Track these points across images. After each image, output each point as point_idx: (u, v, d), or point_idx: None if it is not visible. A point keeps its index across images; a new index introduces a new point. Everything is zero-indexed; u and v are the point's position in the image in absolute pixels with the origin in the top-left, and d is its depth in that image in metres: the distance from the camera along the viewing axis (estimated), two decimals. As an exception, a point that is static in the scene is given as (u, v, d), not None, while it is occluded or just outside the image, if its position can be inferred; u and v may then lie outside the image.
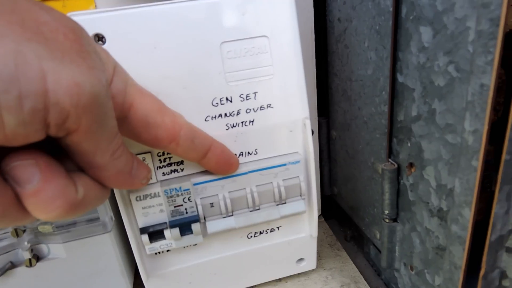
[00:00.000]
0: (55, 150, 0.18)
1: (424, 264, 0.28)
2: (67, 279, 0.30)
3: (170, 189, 0.27)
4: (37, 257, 0.29)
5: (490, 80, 0.17)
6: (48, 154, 0.17)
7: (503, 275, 0.23)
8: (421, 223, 0.27)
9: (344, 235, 0.43)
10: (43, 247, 0.29)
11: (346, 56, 0.33)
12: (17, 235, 0.28)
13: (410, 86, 0.26)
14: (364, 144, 0.33)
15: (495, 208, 0.20)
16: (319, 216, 0.45)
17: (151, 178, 0.26)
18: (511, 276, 0.22)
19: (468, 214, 0.20)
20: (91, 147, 0.18)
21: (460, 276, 0.22)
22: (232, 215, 0.29)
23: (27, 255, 0.28)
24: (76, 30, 0.17)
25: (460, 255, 0.22)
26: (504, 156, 0.19)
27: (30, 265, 0.28)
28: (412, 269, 0.30)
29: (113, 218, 0.30)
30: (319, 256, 0.40)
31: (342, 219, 0.44)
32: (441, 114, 0.23)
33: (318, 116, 0.40)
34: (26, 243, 0.28)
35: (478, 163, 0.19)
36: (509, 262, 0.22)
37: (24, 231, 0.28)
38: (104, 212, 0.29)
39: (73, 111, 0.15)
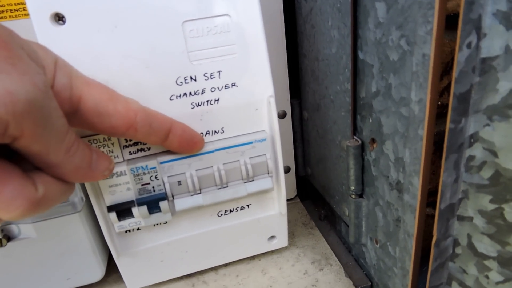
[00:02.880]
0: (11, 151, 0.18)
1: (387, 237, 0.29)
2: (39, 259, 0.31)
3: (136, 168, 0.27)
4: (7, 237, 0.29)
5: (430, 49, 0.18)
6: (1, 158, 0.17)
7: (455, 242, 0.24)
8: (383, 196, 0.28)
9: (318, 215, 0.44)
10: (13, 227, 0.29)
11: (313, 36, 0.34)
12: (-14, 216, 0.28)
13: (370, 63, 0.26)
14: (332, 123, 0.34)
15: (443, 176, 0.21)
16: (294, 197, 0.46)
17: (113, 168, 0.25)
18: (463, 244, 0.23)
19: (417, 183, 0.21)
20: (41, 149, 0.18)
21: (413, 244, 0.23)
22: (200, 193, 0.29)
23: (-4, 236, 0.29)
24: (2, 35, 0.16)
25: (412, 224, 0.23)
26: (448, 125, 0.19)
27: (1, 245, 0.29)
28: (377, 242, 0.31)
29: (84, 199, 0.30)
30: (293, 235, 0.40)
31: (316, 200, 0.44)
32: (396, 88, 0.23)
33: (291, 98, 0.41)
34: (-5, 223, 0.29)
35: (423, 132, 0.19)
36: (461, 230, 0.23)
37: (-8, 212, 0.28)
38: (74, 192, 0.29)
39: (11, 119, 0.16)
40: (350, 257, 0.37)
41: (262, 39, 0.28)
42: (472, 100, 0.20)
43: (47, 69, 0.20)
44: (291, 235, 0.40)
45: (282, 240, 0.36)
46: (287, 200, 0.46)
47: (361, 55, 0.27)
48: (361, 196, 0.32)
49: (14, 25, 0.28)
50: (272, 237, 0.35)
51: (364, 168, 0.30)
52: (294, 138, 0.42)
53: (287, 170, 0.43)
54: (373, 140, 0.28)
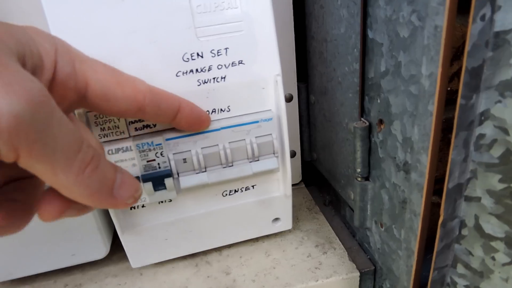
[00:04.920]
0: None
1: (392, 219, 0.28)
2: (44, 234, 0.31)
3: (142, 144, 0.27)
4: (13, 212, 0.29)
5: (443, 21, 0.17)
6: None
7: (462, 224, 0.23)
8: (389, 178, 0.28)
9: (323, 200, 0.43)
10: (19, 202, 0.30)
11: (322, 16, 0.33)
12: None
13: (379, 41, 0.26)
14: (339, 105, 0.33)
15: (452, 154, 0.20)
16: (299, 182, 0.46)
17: (140, 196, 0.22)
18: (470, 225, 0.23)
19: (426, 160, 0.21)
20: (46, 168, 0.15)
21: (419, 224, 0.23)
22: (205, 171, 0.29)
23: (3, 209, 0.29)
24: None
25: (419, 203, 0.22)
26: (459, 100, 0.19)
27: (7, 219, 0.29)
28: (381, 226, 0.31)
29: (89, 176, 0.30)
30: (297, 219, 0.40)
31: (321, 185, 0.44)
32: (406, 66, 0.23)
33: (298, 81, 0.40)
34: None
35: (433, 107, 0.19)
36: (468, 211, 0.23)
37: None
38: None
39: None
40: (354, 241, 0.37)
41: (270, 16, 0.27)
42: (484, 75, 0.19)
43: (46, 59, 0.18)
44: (295, 219, 0.40)
45: (286, 223, 0.36)
46: (292, 185, 0.46)
47: (370, 34, 0.27)
48: (367, 179, 0.31)
49: (26, 3, 0.28)
50: (276, 219, 0.35)
51: (370, 150, 0.30)
52: (300, 123, 0.42)
53: (292, 154, 0.43)
54: (380, 121, 0.28)
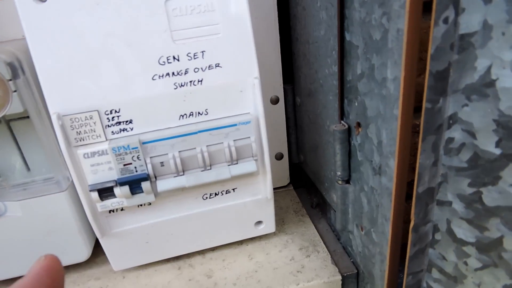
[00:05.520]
0: None
1: (371, 223, 0.28)
2: (25, 237, 0.31)
3: (118, 147, 0.27)
4: (-6, 215, 0.30)
5: (404, 24, 0.17)
6: None
7: (435, 228, 0.23)
8: (367, 182, 0.28)
9: (310, 203, 0.43)
10: (0, 205, 0.30)
11: (304, 18, 0.33)
12: (-28, 192, 0.28)
13: (355, 44, 0.25)
14: (322, 107, 0.33)
15: (420, 159, 0.20)
16: (288, 185, 0.46)
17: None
18: (443, 229, 0.23)
19: (393, 164, 0.21)
20: None
21: (389, 228, 0.22)
22: (183, 174, 0.29)
23: (-17, 212, 0.29)
24: None
25: (388, 207, 0.22)
26: (424, 104, 0.19)
27: (-13, 222, 0.29)
28: (362, 229, 0.30)
29: (70, 178, 0.31)
30: (283, 222, 0.40)
31: (309, 187, 0.44)
32: (378, 68, 0.23)
33: (284, 83, 0.40)
34: (-19, 200, 0.29)
35: (398, 111, 0.19)
36: (440, 215, 0.22)
37: (-21, 188, 0.29)
38: (59, 171, 0.30)
39: None
40: (339, 244, 0.37)
41: (247, 19, 0.27)
42: (451, 79, 0.19)
43: None
44: (281, 222, 0.40)
45: (269, 226, 0.35)
46: (280, 187, 0.46)
47: (347, 36, 0.26)
48: (348, 182, 0.31)
49: (1, 7, 0.28)
50: (259, 222, 0.35)
51: (351, 153, 0.30)
52: (287, 124, 0.42)
53: (280, 157, 0.43)
54: (358, 124, 0.27)
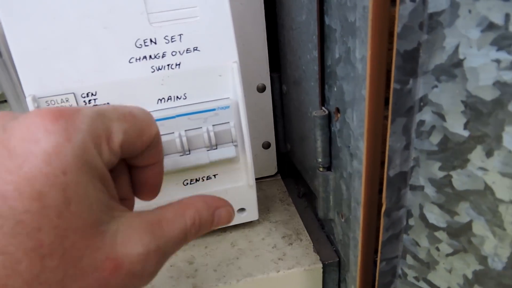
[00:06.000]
0: None
1: (349, 210, 0.28)
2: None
3: (95, 130, 0.27)
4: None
5: (369, 1, 0.17)
6: None
7: (409, 213, 0.23)
8: (346, 168, 0.27)
9: (297, 192, 0.43)
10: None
11: (288, 3, 0.33)
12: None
13: (333, 27, 0.25)
14: (305, 95, 0.33)
15: (389, 141, 0.20)
16: (276, 174, 0.46)
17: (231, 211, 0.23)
18: (416, 215, 0.22)
19: (362, 146, 0.20)
20: None
21: (361, 213, 0.22)
22: (162, 159, 0.29)
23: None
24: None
25: (359, 190, 0.22)
26: (392, 85, 0.18)
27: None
28: (342, 216, 0.30)
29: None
30: (268, 210, 0.40)
31: (297, 177, 0.44)
32: (353, 51, 0.22)
33: (271, 71, 0.40)
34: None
35: (366, 91, 0.19)
36: (413, 200, 0.22)
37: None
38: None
39: None
40: (322, 233, 0.36)
41: (225, 2, 0.27)
42: (421, 59, 0.18)
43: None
44: (266, 210, 0.40)
45: (252, 213, 0.35)
46: (268, 176, 0.46)
47: (327, 20, 0.26)
48: (329, 169, 0.31)
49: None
50: (242, 209, 0.35)
51: (331, 140, 0.30)
52: (274, 113, 0.42)
53: (267, 146, 0.43)
54: (337, 110, 0.27)
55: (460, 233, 0.20)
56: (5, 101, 0.28)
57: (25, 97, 0.26)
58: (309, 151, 0.35)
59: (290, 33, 0.34)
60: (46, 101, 0.26)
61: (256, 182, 0.34)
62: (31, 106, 0.26)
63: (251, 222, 0.37)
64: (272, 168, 0.45)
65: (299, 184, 0.44)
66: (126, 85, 0.27)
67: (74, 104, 0.27)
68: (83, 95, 0.27)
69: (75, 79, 0.26)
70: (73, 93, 0.27)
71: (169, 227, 0.18)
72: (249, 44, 0.37)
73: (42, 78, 0.26)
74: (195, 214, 0.20)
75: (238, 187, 0.33)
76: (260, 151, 0.43)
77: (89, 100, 0.27)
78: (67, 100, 0.27)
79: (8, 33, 0.25)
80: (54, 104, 0.26)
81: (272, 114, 0.41)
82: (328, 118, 0.29)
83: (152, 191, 0.24)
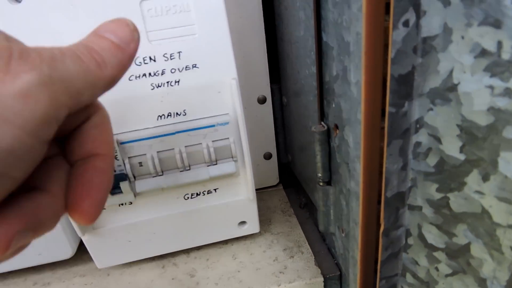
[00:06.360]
0: None
1: (349, 225, 0.28)
2: (9, 234, 0.31)
3: (95, 148, 0.27)
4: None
5: (362, 28, 0.17)
6: None
7: (408, 233, 0.23)
8: (345, 184, 0.27)
9: (299, 203, 0.43)
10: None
11: (286, 18, 0.33)
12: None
13: (331, 45, 0.25)
14: (304, 108, 0.33)
15: (386, 163, 0.20)
16: (277, 184, 0.46)
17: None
18: (414, 234, 0.22)
19: (359, 168, 0.20)
20: None
21: (359, 233, 0.22)
22: (162, 175, 0.29)
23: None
24: None
25: (357, 210, 0.22)
26: (387, 109, 0.18)
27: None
28: (343, 231, 0.30)
29: (53, 178, 0.31)
30: (269, 222, 0.40)
31: (298, 187, 0.44)
32: (350, 71, 0.22)
33: (272, 82, 0.40)
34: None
35: (361, 115, 0.19)
36: (412, 220, 0.22)
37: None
38: (40, 170, 0.30)
39: None
40: (324, 245, 0.36)
41: (223, 19, 0.27)
42: (416, 82, 0.18)
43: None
44: (268, 221, 0.40)
45: (253, 226, 0.35)
46: (269, 187, 0.46)
47: (324, 37, 0.26)
48: (329, 183, 0.31)
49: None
50: (243, 222, 0.35)
51: (331, 155, 0.30)
52: (275, 124, 0.42)
53: (268, 156, 0.43)
54: (336, 126, 0.27)
55: (459, 254, 0.20)
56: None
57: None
58: (309, 163, 0.35)
59: (289, 46, 0.34)
60: (48, 120, 0.27)
61: (257, 192, 0.34)
62: (33, 124, 0.26)
63: (252, 234, 0.37)
64: (274, 179, 0.45)
65: (300, 195, 0.43)
66: (127, 102, 0.27)
67: (75, 122, 0.27)
68: (84, 113, 0.27)
69: (76, 98, 0.27)
70: (74, 111, 0.27)
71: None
72: (249, 56, 0.38)
73: (43, 97, 0.26)
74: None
75: (239, 201, 0.33)
76: (262, 162, 0.43)
77: (90, 118, 0.27)
78: (68, 118, 0.27)
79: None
80: (55, 122, 0.27)
81: (273, 125, 0.42)
82: (327, 134, 0.29)
83: (90, 203, 0.16)
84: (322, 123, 0.30)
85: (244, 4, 0.36)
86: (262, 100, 0.40)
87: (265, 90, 0.40)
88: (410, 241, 0.23)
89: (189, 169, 0.30)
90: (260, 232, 0.37)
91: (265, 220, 0.40)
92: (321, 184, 0.31)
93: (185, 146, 0.29)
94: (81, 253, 0.36)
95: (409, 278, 0.24)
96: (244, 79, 0.36)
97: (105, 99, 0.27)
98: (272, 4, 0.37)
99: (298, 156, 0.39)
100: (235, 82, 0.28)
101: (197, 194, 0.32)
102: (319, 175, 0.30)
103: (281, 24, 0.35)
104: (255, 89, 0.39)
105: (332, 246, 0.34)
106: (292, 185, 0.46)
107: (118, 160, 0.28)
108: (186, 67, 0.28)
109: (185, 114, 0.29)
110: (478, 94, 0.16)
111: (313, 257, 0.35)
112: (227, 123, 0.29)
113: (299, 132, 0.36)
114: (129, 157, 0.28)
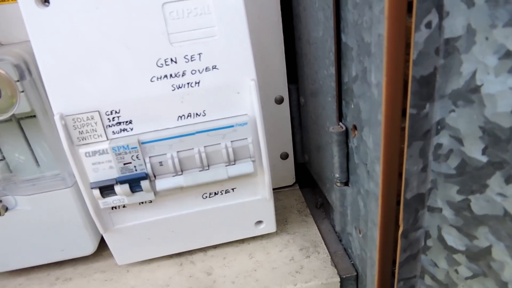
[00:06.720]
0: None
1: (367, 226, 0.28)
2: (34, 230, 0.32)
3: (117, 147, 0.28)
4: (5, 208, 0.31)
5: (384, 29, 0.17)
6: None
7: (427, 234, 0.23)
8: (363, 185, 0.27)
9: (315, 203, 0.43)
10: (10, 199, 0.31)
11: (305, 18, 0.33)
12: (-15, 187, 0.30)
13: (350, 45, 0.25)
14: (322, 108, 0.33)
15: (406, 164, 0.20)
16: (293, 184, 0.46)
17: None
18: (434, 236, 0.22)
19: (379, 170, 0.20)
20: None
21: (377, 234, 0.22)
22: (181, 174, 0.30)
23: (-5, 206, 0.31)
24: None
25: (376, 212, 0.22)
26: (408, 110, 0.18)
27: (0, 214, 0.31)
28: (360, 231, 0.30)
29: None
30: (286, 221, 0.40)
31: (315, 187, 0.44)
32: (370, 71, 0.22)
33: (289, 82, 0.40)
34: (-6, 194, 0.31)
35: (382, 116, 0.19)
36: (431, 222, 0.22)
37: (-9, 183, 0.30)
38: (64, 168, 0.31)
39: None
40: (340, 246, 0.36)
41: (243, 21, 0.27)
42: (437, 84, 0.18)
43: None
44: (284, 221, 0.40)
45: (269, 226, 0.36)
46: (285, 187, 0.46)
47: (343, 38, 0.26)
48: (346, 184, 0.31)
49: (9, 10, 0.30)
50: (259, 222, 0.35)
51: (349, 156, 0.30)
52: (292, 124, 0.42)
53: (285, 156, 0.43)
54: (355, 127, 0.27)
55: (480, 257, 0.20)
56: (34, 116, 0.29)
57: (53, 113, 0.28)
58: (326, 163, 0.35)
59: (307, 47, 0.34)
60: (73, 119, 0.27)
61: (274, 192, 0.34)
62: (58, 123, 0.27)
63: (268, 233, 0.37)
64: (290, 179, 0.45)
65: (316, 194, 0.44)
66: (148, 103, 0.28)
67: (99, 122, 0.28)
68: (107, 113, 0.28)
69: (100, 98, 0.27)
70: (98, 111, 0.28)
71: None
72: (267, 56, 0.38)
73: (69, 97, 0.27)
74: None
75: (256, 201, 0.33)
76: (278, 162, 0.43)
77: (113, 118, 0.28)
78: (92, 118, 0.28)
79: (38, 54, 0.26)
80: (80, 121, 0.28)
81: (290, 125, 0.42)
82: (346, 134, 0.29)
83: None
84: (340, 123, 0.30)
85: (263, 5, 0.36)
86: (279, 100, 0.40)
87: (283, 90, 0.40)
88: (429, 243, 0.23)
89: (208, 169, 0.30)
90: (276, 231, 0.37)
91: (281, 219, 0.40)
92: (338, 184, 0.31)
93: (205, 146, 0.29)
94: (101, 250, 0.37)
95: (427, 280, 0.24)
96: (261, 80, 0.36)
97: (128, 99, 0.28)
98: (290, 5, 0.37)
99: (315, 156, 0.39)
100: (254, 83, 0.28)
101: (215, 194, 0.33)
102: (337, 175, 0.31)
103: (299, 25, 0.35)
104: (273, 89, 0.39)
105: (349, 246, 0.34)
106: (308, 185, 0.46)
107: (139, 159, 0.29)
108: (206, 68, 0.28)
109: (204, 115, 0.29)
110: (502, 95, 0.16)
111: (330, 257, 0.35)
112: (246, 123, 0.29)
113: (316, 132, 0.36)
114: (150, 157, 0.29)
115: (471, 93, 0.17)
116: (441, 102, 0.19)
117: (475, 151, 0.18)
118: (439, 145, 0.20)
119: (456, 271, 0.21)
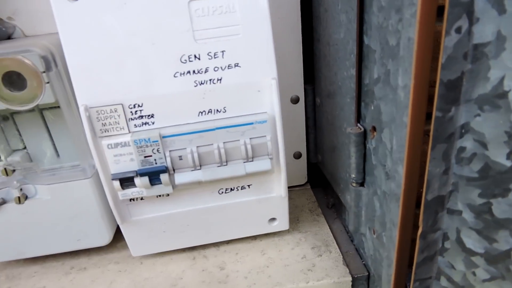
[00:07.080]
0: None
1: (382, 227, 0.28)
2: (52, 219, 0.33)
3: (139, 140, 0.29)
4: (25, 196, 0.32)
5: (414, 33, 0.17)
6: None
7: (445, 236, 0.23)
8: (380, 186, 0.28)
9: (326, 203, 0.43)
10: (31, 187, 0.32)
11: (326, 20, 0.33)
12: (7, 174, 0.31)
13: (373, 48, 0.25)
14: (339, 109, 0.33)
15: (429, 166, 0.20)
16: (305, 184, 0.46)
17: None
18: (452, 238, 0.23)
19: (402, 171, 0.21)
20: None
21: (396, 234, 0.23)
22: (200, 169, 0.30)
23: (16, 193, 0.31)
24: None
25: (396, 212, 0.22)
26: (434, 113, 0.19)
27: (19, 202, 0.31)
28: (374, 232, 0.30)
29: (95, 166, 0.32)
30: (297, 220, 0.41)
31: (326, 187, 0.44)
32: (393, 74, 0.23)
33: (305, 83, 0.40)
34: (15, 182, 0.31)
35: (407, 119, 0.19)
36: (450, 224, 0.22)
37: (13, 171, 0.31)
38: (85, 159, 0.32)
39: None
40: (352, 246, 0.37)
41: (267, 20, 0.28)
42: (464, 88, 0.19)
43: None
44: (296, 220, 0.41)
45: (282, 223, 0.36)
46: (297, 186, 0.46)
47: (366, 40, 0.26)
48: (362, 184, 0.31)
49: (34, 3, 0.30)
50: (273, 219, 0.36)
51: (366, 157, 0.30)
52: (306, 124, 0.42)
53: (298, 156, 0.44)
54: (374, 128, 0.28)
55: (498, 260, 0.20)
56: (59, 107, 0.30)
57: (77, 105, 0.28)
58: (341, 164, 0.36)
59: (327, 48, 0.34)
60: (97, 111, 0.28)
61: (287, 191, 0.34)
62: (83, 115, 0.27)
63: (280, 231, 0.38)
64: (302, 178, 0.46)
65: (328, 195, 0.44)
66: (170, 98, 0.29)
67: (122, 115, 0.28)
68: (130, 106, 0.28)
69: (124, 91, 0.28)
70: (121, 104, 0.28)
71: None
72: (285, 56, 0.38)
73: (93, 89, 0.28)
74: None
75: (271, 198, 0.34)
76: (291, 161, 0.44)
77: (136, 111, 0.29)
78: (115, 111, 0.28)
79: (66, 47, 0.27)
80: (103, 113, 0.28)
81: (304, 125, 0.42)
82: (364, 135, 0.29)
83: None
84: (359, 124, 0.30)
85: (283, 5, 0.36)
86: (295, 100, 0.40)
87: (299, 90, 0.40)
88: (447, 244, 0.23)
89: (226, 165, 0.31)
90: (288, 230, 0.38)
91: (293, 218, 0.41)
92: (354, 185, 0.31)
93: (224, 142, 0.30)
94: (115, 242, 0.37)
95: (443, 281, 0.24)
96: (278, 79, 0.37)
97: (151, 94, 0.28)
98: (310, 5, 0.37)
99: (329, 157, 0.39)
100: (275, 82, 0.29)
101: (231, 189, 0.33)
102: (353, 176, 0.31)
103: (319, 26, 0.36)
104: (289, 89, 0.40)
105: (361, 246, 0.34)
106: (320, 185, 0.46)
107: (160, 153, 0.29)
108: (228, 66, 0.28)
109: (225, 111, 0.30)
110: (530, 101, 0.16)
111: (341, 256, 0.35)
112: (265, 121, 0.30)
113: (332, 133, 0.37)
114: (170, 151, 0.29)
115: (498, 98, 0.17)
116: (467, 106, 0.19)
117: (499, 155, 0.18)
118: (462, 149, 0.20)
119: (474, 273, 0.22)
